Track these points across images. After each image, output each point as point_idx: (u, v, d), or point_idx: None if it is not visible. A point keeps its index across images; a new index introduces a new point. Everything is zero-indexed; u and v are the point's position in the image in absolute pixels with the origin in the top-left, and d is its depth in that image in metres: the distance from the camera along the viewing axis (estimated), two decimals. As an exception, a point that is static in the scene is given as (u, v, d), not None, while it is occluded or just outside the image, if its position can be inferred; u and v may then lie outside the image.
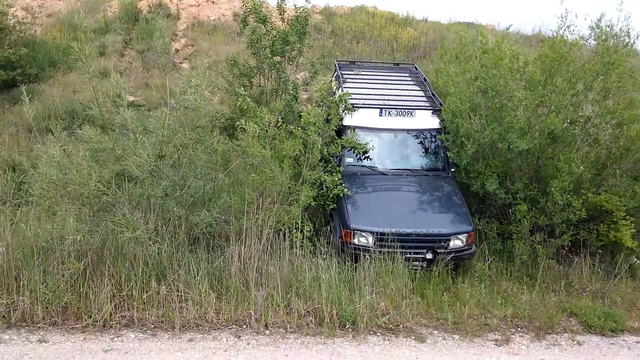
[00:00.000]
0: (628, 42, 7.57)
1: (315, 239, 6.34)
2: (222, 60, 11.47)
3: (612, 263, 6.98)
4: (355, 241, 6.37)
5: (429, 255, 6.45)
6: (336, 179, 6.90)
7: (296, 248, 5.77)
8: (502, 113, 7.50)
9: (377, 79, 9.39)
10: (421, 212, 6.93)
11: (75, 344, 4.43)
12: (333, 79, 9.91)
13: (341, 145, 7.29)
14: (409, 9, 21.03)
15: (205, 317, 4.93)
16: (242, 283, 5.28)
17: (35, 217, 5.35)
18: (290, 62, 10.26)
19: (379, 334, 5.10)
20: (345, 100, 7.71)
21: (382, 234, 6.27)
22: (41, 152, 5.26)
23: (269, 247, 5.68)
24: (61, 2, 17.20)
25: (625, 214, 6.72)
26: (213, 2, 16.82)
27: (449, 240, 6.51)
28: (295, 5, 10.02)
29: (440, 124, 7.95)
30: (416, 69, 10.05)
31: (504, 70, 7.60)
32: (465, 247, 6.61)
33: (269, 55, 9.92)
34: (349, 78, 9.19)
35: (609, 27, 11.38)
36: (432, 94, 8.54)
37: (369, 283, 5.59)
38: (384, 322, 5.22)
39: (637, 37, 7.66)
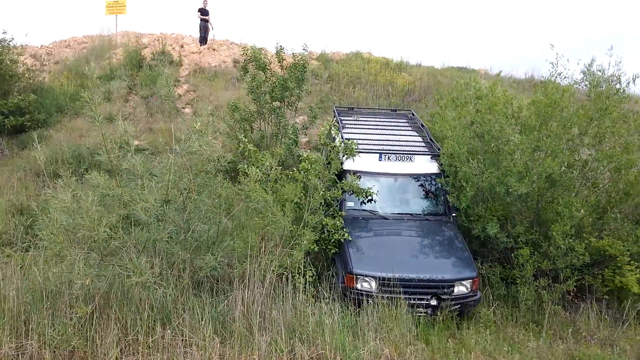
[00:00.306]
0: (619, 88, 7.82)
1: (318, 284, 6.36)
2: (223, 105, 11.76)
3: (619, 309, 6.97)
4: (358, 286, 6.34)
5: (433, 302, 6.43)
6: (337, 222, 6.98)
7: (299, 293, 5.79)
8: (499, 157, 7.67)
9: (376, 125, 9.58)
10: (424, 257, 6.94)
11: (80, 392, 4.41)
12: (332, 125, 10.12)
13: (342, 189, 7.39)
14: (402, 55, 21.70)
15: (209, 362, 4.91)
16: (245, 327, 5.27)
17: (44, 261, 5.39)
18: (290, 107, 10.55)
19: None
20: (350, 146, 7.84)
21: (385, 279, 6.26)
22: (50, 196, 5.36)
23: (272, 292, 5.70)
24: (68, 50, 17.69)
25: (629, 258, 6.78)
26: (214, 50, 17.31)
27: (453, 286, 6.50)
28: (293, 53, 10.37)
29: (439, 169, 8.08)
30: (413, 115, 10.26)
31: (499, 115, 7.82)
32: (470, 294, 6.60)
33: (269, 101, 10.22)
34: (348, 124, 9.37)
35: (600, 71, 11.70)
36: (430, 139, 8.69)
37: (373, 328, 5.59)
38: (390, 371, 5.19)
39: (627, 84, 7.91)
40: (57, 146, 10.61)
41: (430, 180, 8.10)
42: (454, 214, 7.78)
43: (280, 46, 10.74)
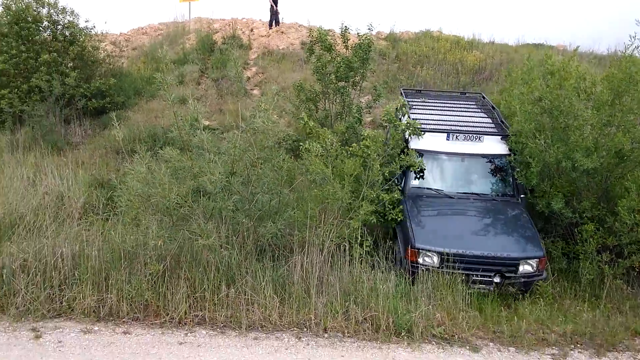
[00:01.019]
0: None
1: (375, 254, 6.56)
2: (289, 87, 12.11)
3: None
4: (420, 260, 6.35)
5: (497, 279, 6.36)
6: (395, 196, 7.12)
7: (355, 261, 6.06)
8: (567, 133, 7.49)
9: (444, 106, 9.42)
10: (489, 235, 6.86)
11: (155, 337, 4.95)
12: (399, 107, 10.12)
13: (403, 166, 7.48)
14: (474, 32, 20.94)
15: (269, 319, 5.32)
16: (303, 290, 5.63)
17: (122, 226, 5.99)
18: (354, 87, 10.71)
19: (433, 342, 5.26)
20: (413, 125, 7.82)
21: (448, 254, 6.23)
22: (128, 169, 5.96)
23: (330, 259, 6.01)
24: (145, 37, 18.72)
25: (697, 235, 6.50)
26: (282, 33, 17.70)
27: (518, 264, 6.39)
28: (358, 33, 10.50)
29: (508, 150, 7.88)
30: (484, 97, 9.97)
31: (569, 90, 7.61)
32: (536, 273, 6.47)
33: (334, 81, 10.42)
34: (415, 105, 9.27)
35: None
36: (501, 120, 8.47)
37: (426, 295, 5.76)
38: (439, 332, 5.37)
39: None
40: (134, 126, 11.42)
41: (499, 161, 7.88)
42: (522, 196, 7.61)
43: (345, 27, 10.91)
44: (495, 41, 18.71)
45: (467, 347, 5.22)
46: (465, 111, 9.16)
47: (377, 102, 11.03)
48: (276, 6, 18.22)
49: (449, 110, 9.11)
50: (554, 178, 7.61)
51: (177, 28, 18.33)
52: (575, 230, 7.19)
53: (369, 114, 12.00)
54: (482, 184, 7.79)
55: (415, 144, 7.78)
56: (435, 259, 6.29)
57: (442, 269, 6.16)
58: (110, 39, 17.50)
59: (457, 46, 17.22)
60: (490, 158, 7.86)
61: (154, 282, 5.39)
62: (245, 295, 5.47)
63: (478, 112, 9.14)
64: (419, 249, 6.37)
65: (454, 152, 7.77)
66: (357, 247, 6.22)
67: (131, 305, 5.28)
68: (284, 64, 15.33)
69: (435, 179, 7.72)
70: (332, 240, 6.11)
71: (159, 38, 17.99)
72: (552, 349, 5.31)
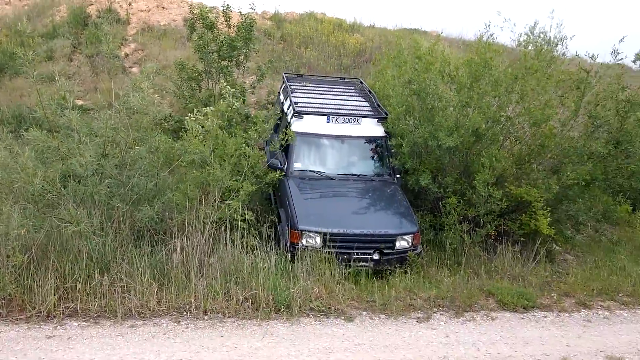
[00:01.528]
0: (546, 48, 8.36)
1: (256, 234, 6.64)
2: (171, 65, 11.72)
3: (532, 250, 7.62)
4: (304, 242, 6.49)
5: (376, 256, 6.67)
6: (276, 176, 7.26)
7: (237, 241, 6.12)
8: (432, 113, 8.08)
9: (324, 91, 9.67)
10: (368, 214, 7.17)
11: (20, 332, 4.68)
12: (281, 91, 10.12)
13: (282, 145, 7.58)
14: (356, 16, 21.70)
15: (147, 305, 5.24)
16: (183, 274, 5.61)
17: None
18: (238, 66, 10.65)
19: (311, 315, 5.53)
20: (293, 107, 8.00)
21: (330, 234, 6.44)
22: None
23: (211, 241, 6.02)
24: (8, 7, 16.99)
25: (542, 204, 7.38)
26: (163, 8, 16.97)
27: (395, 241, 6.77)
28: (240, 12, 10.41)
29: (385, 132, 8.26)
30: (362, 82, 10.34)
31: (434, 74, 8.20)
32: (411, 248, 6.89)
33: (217, 60, 10.28)
34: (297, 89, 9.41)
35: (542, 33, 12.27)
36: (377, 104, 8.84)
37: (305, 272, 6.00)
38: (316, 306, 5.65)
39: (555, 45, 8.43)
40: (-4, 106, 10.47)
41: (377, 143, 8.30)
42: (397, 176, 8.05)
43: (227, 4, 10.74)
44: (376, 25, 19.46)
45: (342, 318, 5.55)
46: (345, 95, 9.51)
47: (261, 82, 11.08)
48: None
49: (329, 94, 9.40)
50: (423, 156, 8.21)
51: (44, -2, 16.83)
52: (440, 203, 7.84)
53: (253, 94, 12.00)
54: (362, 165, 8.15)
55: (296, 126, 7.93)
56: (318, 240, 6.46)
57: (324, 249, 6.37)
58: (-36, 8, 15.68)
59: (340, 29, 17.67)
60: (368, 140, 8.24)
61: (18, 274, 5.06)
62: (121, 282, 5.34)
63: (356, 96, 9.52)
64: (302, 230, 6.50)
65: (333, 135, 8.02)
66: (239, 226, 6.27)
67: (-8, 300, 4.93)
68: (165, 41, 14.76)
69: (316, 161, 7.94)
70: (213, 222, 6.12)
71: (25, 9, 16.42)
72: (417, 313, 5.82)
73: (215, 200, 6.29)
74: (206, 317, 5.30)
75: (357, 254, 6.52)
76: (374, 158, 8.31)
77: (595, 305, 6.47)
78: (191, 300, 5.39)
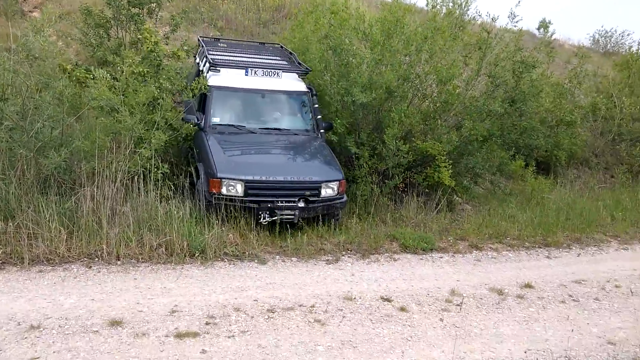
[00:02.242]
0: (457, 11, 8.82)
1: (172, 184, 6.63)
2: (77, 10, 11.05)
3: (435, 200, 8.21)
4: (224, 191, 6.25)
5: (301, 204, 6.49)
6: (191, 127, 7.21)
7: (151, 190, 6.11)
8: (348, 70, 8.32)
9: (243, 52, 9.31)
10: (291, 163, 7.07)
11: None
12: (197, 54, 9.77)
13: (194, 94, 7.46)
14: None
15: (56, 252, 5.17)
16: (94, 222, 5.55)
17: None
18: (150, 15, 10.24)
19: (225, 260, 5.70)
20: (209, 61, 7.76)
21: (252, 181, 6.30)
22: None
23: (124, 190, 5.97)
24: None
25: (445, 158, 7.93)
26: (67, -52, 15.76)
27: (320, 188, 6.64)
28: (151, -44, 9.96)
29: (306, 87, 8.10)
30: (282, 47, 10.05)
31: (349, 30, 8.40)
32: (337, 197, 6.81)
33: (127, 6, 9.83)
34: (214, 50, 8.99)
35: None
36: (299, 62, 8.63)
37: (220, 220, 6.13)
38: (231, 251, 5.82)
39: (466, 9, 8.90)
40: None
41: (299, 98, 8.06)
42: (322, 131, 7.87)
43: (136, -53, 10.20)
44: (295, -20, 19.23)
45: (256, 261, 5.77)
46: (264, 55, 9.25)
47: (175, 32, 10.75)
48: None
49: (247, 54, 9.13)
50: (338, 111, 8.47)
51: None
52: (354, 156, 8.20)
53: (167, 44, 11.63)
54: (284, 120, 7.96)
55: (213, 80, 7.64)
56: (240, 188, 6.27)
57: (246, 198, 6.26)
58: None
59: (259, -19, 17.31)
60: (290, 94, 8.01)
61: None
62: (27, 229, 5.20)
63: (276, 56, 9.28)
64: (221, 178, 6.26)
65: (253, 89, 7.75)
66: (153, 176, 6.24)
67: None
68: (69, -16, 13.78)
69: (236, 115, 7.68)
70: (125, 172, 6.05)
71: None
72: (327, 256, 6.17)
73: (127, 150, 6.19)
74: (119, 262, 5.32)
75: (282, 202, 6.38)
76: (297, 113, 8.09)
77: (486, 247, 7.15)
78: (103, 247, 5.37)
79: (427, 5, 9.31)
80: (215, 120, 7.43)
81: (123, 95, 6.49)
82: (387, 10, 8.57)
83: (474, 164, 8.34)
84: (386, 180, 7.99)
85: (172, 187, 6.60)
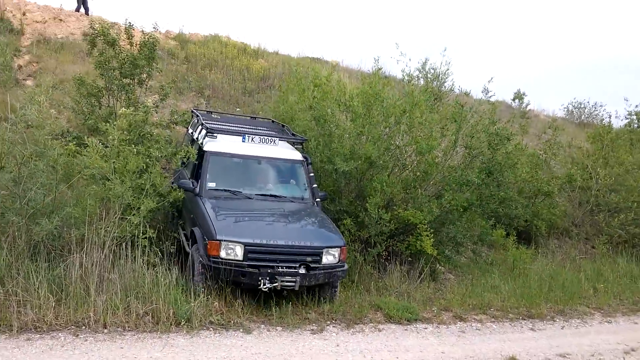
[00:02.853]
0: (435, 83, 9.38)
1: (158, 249, 6.71)
2: (69, 79, 11.42)
3: (418, 268, 8.38)
4: (223, 254, 6.05)
5: (302, 271, 6.28)
6: (179, 194, 7.38)
7: (138, 257, 6.20)
8: (330, 139, 8.71)
9: (237, 123, 9.43)
10: (291, 228, 6.91)
11: None
12: (190, 126, 9.83)
13: (184, 162, 7.70)
14: (260, 41, 22.29)
15: (44, 319, 5.18)
16: (82, 289, 5.59)
17: None
18: (140, 85, 10.65)
19: (211, 329, 5.74)
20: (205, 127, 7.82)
21: (252, 245, 6.13)
22: None
23: (112, 256, 6.05)
24: None
25: (426, 227, 8.17)
26: (61, 20, 16.41)
27: (322, 254, 6.46)
28: (143, 30, 10.48)
29: (302, 156, 8.09)
30: (273, 121, 10.12)
31: (331, 102, 8.87)
32: (338, 264, 6.60)
33: (119, 77, 10.23)
34: (209, 121, 8.92)
35: (432, 69, 13.56)
36: (292, 133, 8.78)
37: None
38: (216, 319, 5.87)
39: (442, 82, 9.48)
40: None
41: (295, 166, 8.01)
42: (318, 199, 7.78)
43: (130, 23, 10.75)
44: (280, 52, 20.15)
45: (241, 330, 5.82)
46: (259, 126, 9.31)
47: (164, 101, 11.13)
48: None
49: (243, 125, 9.22)
50: (322, 179, 8.77)
51: None
52: (337, 224, 8.40)
53: (156, 113, 11.98)
54: (280, 187, 7.90)
55: (210, 146, 7.60)
56: (239, 251, 6.07)
57: (245, 262, 6.08)
58: None
59: (244, 53, 18.09)
60: (286, 162, 7.99)
61: None
62: (16, 296, 5.23)
63: (270, 128, 9.28)
64: (220, 240, 6.04)
65: (250, 155, 7.72)
66: (141, 242, 6.34)
67: None
68: (63, 55, 14.26)
69: (232, 181, 7.54)
70: (113, 238, 6.15)
71: None
72: (312, 325, 6.22)
73: (115, 216, 6.32)
74: (106, 330, 5.33)
75: (282, 267, 6.17)
76: (293, 181, 8.02)
77: (470, 318, 7.28)
78: (90, 314, 5.40)
79: (404, 79, 9.90)
80: (211, 185, 7.28)
81: (113, 162, 6.69)
82: (367, 84, 9.07)
83: (455, 233, 8.60)
84: (369, 249, 8.17)
85: (159, 253, 6.68)
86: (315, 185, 7.90)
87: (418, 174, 8.85)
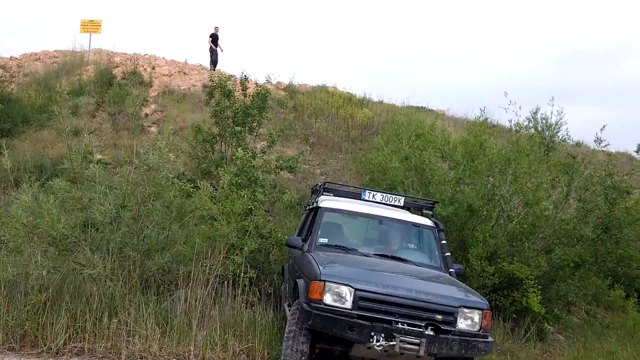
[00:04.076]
0: (547, 132, 9.02)
1: (257, 289, 6.94)
2: (188, 127, 12.45)
3: (524, 326, 7.84)
4: (327, 299, 4.85)
5: (429, 332, 4.79)
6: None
7: (238, 295, 6.46)
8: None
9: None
10: (416, 279, 5.44)
11: (30, 366, 4.98)
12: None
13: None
14: (366, 91, 22.89)
15: (149, 350, 5.51)
16: (185, 323, 5.91)
17: (2, 255, 5.95)
18: (251, 132, 11.34)
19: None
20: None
21: (365, 291, 4.85)
22: (13, 198, 6.00)
23: (214, 293, 6.36)
24: (39, 63, 18.13)
25: (534, 282, 7.68)
26: (185, 73, 18.05)
27: (456, 314, 4.91)
28: (257, 82, 11.26)
29: (432, 221, 6.79)
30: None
31: (431, 152, 8.80)
32: (480, 333, 4.97)
33: (231, 125, 10.99)
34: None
35: (543, 119, 13.08)
36: (421, 199, 7.68)
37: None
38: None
39: (555, 131, 9.09)
40: (20, 155, 11.07)
41: (423, 232, 6.67)
42: (451, 270, 6.19)
43: (245, 76, 11.63)
44: (384, 101, 20.48)
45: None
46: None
47: (271, 148, 11.74)
48: (215, 46, 19.20)
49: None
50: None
51: (74, 58, 18.00)
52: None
53: (263, 159, 12.64)
54: (404, 252, 6.44)
55: (325, 203, 6.67)
56: (349, 297, 4.83)
57: (356, 311, 4.80)
58: (-1, 62, 16.79)
59: (349, 102, 18.64)
60: (413, 227, 6.65)
61: (34, 312, 5.41)
62: (127, 326, 5.65)
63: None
64: (325, 281, 4.88)
65: (371, 214, 6.60)
66: (242, 281, 6.61)
67: (7, 335, 5.24)
68: (184, 104, 15.63)
69: (348, 240, 6.53)
70: (217, 276, 6.48)
71: (54, 66, 17.54)
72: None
73: (220, 255, 6.67)
74: (204, 365, 5.56)
75: (403, 324, 4.74)
76: (419, 248, 6.60)
77: (582, 385, 6.64)
78: (191, 348, 5.67)
79: (512, 129, 9.61)
80: (323, 240, 6.23)
81: (221, 204, 7.13)
82: (471, 134, 8.92)
83: (566, 291, 7.99)
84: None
85: (257, 293, 6.91)
86: (448, 254, 6.43)
87: (525, 226, 8.42)
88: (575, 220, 8.37)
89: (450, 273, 6.13)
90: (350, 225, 6.78)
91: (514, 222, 8.71)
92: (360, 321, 4.78)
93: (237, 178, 7.76)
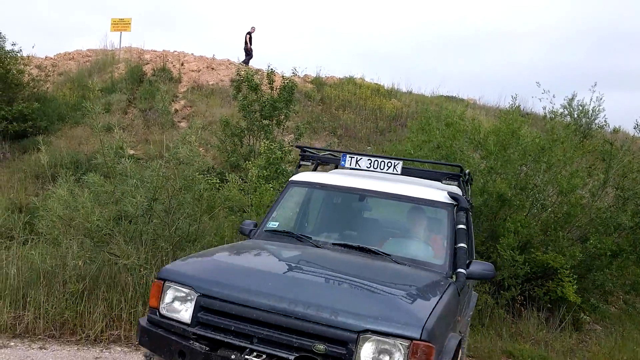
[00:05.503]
0: (583, 120, 8.77)
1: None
2: (217, 121, 12.61)
3: (558, 316, 7.70)
4: (164, 308, 3.33)
5: None
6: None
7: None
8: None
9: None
10: (323, 284, 3.42)
11: (71, 352, 5.11)
12: None
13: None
14: (394, 81, 22.73)
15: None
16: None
17: (42, 246, 6.15)
18: (278, 125, 11.41)
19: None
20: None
21: (210, 297, 3.18)
22: (50, 192, 6.19)
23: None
24: (72, 63, 18.60)
25: (568, 272, 7.52)
26: (213, 69, 18.24)
27: (356, 343, 2.88)
28: (283, 75, 11.29)
29: (447, 197, 4.32)
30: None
31: (461, 141, 8.66)
32: None
33: (259, 119, 11.08)
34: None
35: (580, 105, 12.72)
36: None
37: None
38: None
39: (593, 118, 8.84)
40: (56, 152, 11.40)
41: (427, 212, 4.50)
42: (461, 270, 3.81)
43: (271, 69, 11.68)
44: (413, 91, 20.29)
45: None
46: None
47: (299, 140, 11.78)
48: (249, 44, 19.62)
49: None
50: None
51: (106, 56, 18.40)
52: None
53: (291, 153, 12.69)
54: (389, 243, 4.41)
55: (297, 177, 4.87)
56: (189, 307, 3.23)
57: (192, 328, 3.16)
58: (35, 63, 17.29)
59: (377, 93, 18.53)
60: (414, 204, 4.47)
61: (72, 301, 5.57)
62: (159, 315, 5.75)
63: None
64: (164, 280, 3.38)
65: (355, 188, 4.60)
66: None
67: (47, 322, 5.42)
68: (212, 99, 15.83)
69: (314, 224, 4.90)
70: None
71: (87, 65, 17.97)
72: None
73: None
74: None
75: (259, 355, 2.96)
76: (418, 233, 4.50)
77: (619, 375, 6.49)
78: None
79: (545, 117, 9.39)
80: (272, 225, 4.58)
81: (250, 196, 7.21)
82: (503, 122, 8.73)
83: (603, 281, 7.79)
84: (501, 291, 7.70)
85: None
86: (461, 246, 3.99)
87: (560, 215, 8.22)
88: (612, 209, 8.13)
89: (457, 275, 3.84)
90: (328, 204, 4.96)
91: (548, 211, 8.54)
92: (197, 344, 3.12)
93: (264, 171, 7.81)
